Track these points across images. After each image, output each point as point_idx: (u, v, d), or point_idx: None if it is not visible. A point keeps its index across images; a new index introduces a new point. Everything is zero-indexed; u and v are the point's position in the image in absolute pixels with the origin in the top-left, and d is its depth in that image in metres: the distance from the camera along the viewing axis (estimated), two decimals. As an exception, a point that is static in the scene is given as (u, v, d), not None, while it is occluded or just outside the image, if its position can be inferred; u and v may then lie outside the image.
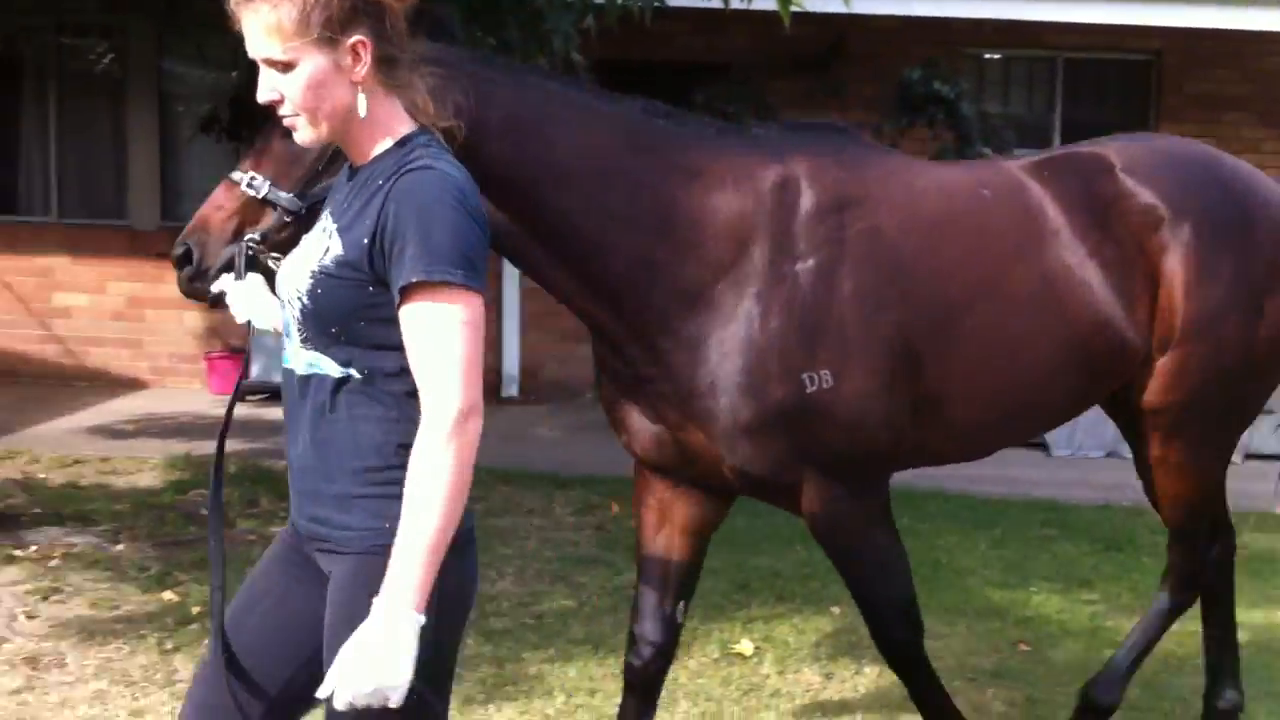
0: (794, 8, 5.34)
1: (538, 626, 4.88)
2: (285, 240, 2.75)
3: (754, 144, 3.15)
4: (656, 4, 5.70)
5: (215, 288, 2.77)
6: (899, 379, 3.09)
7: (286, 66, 2.07)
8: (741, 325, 2.99)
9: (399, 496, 2.05)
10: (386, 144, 2.16)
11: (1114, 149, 3.50)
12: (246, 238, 2.80)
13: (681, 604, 3.42)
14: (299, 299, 2.17)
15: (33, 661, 4.36)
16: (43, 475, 6.79)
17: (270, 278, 2.64)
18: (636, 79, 8.69)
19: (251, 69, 2.19)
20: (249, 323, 2.66)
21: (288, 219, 2.82)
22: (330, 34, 2.05)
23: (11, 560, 5.24)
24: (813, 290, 3.02)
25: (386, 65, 2.13)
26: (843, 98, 9.77)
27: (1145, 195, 3.38)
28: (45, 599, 4.94)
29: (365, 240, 2.08)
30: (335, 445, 2.16)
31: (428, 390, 2.02)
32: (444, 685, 2.18)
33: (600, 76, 7.97)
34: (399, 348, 2.09)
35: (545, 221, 2.93)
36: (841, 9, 5.92)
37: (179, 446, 7.45)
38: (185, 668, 4.30)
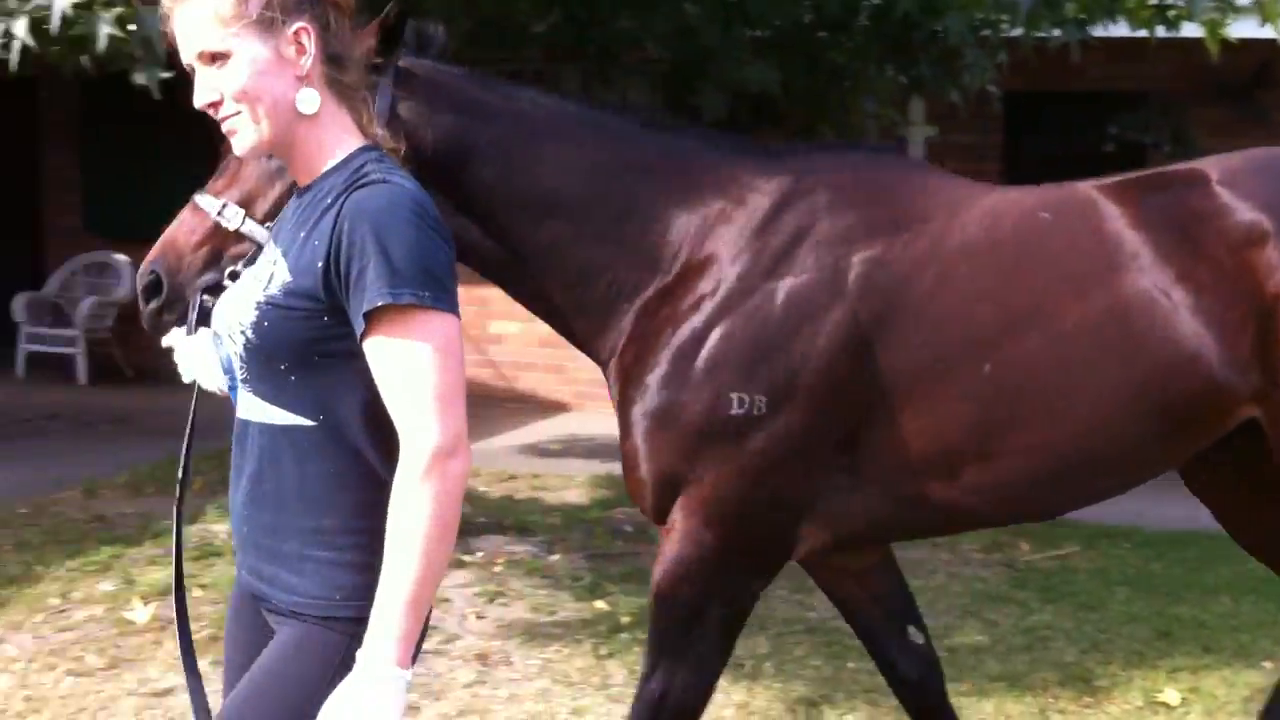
0: (1222, 35, 5.16)
1: (951, 660, 4.88)
2: None
3: (767, 160, 2.94)
4: (1079, 37, 5.63)
5: (165, 341, 2.45)
6: (848, 437, 2.77)
7: (224, 58, 1.89)
8: (686, 327, 2.76)
9: (354, 564, 1.92)
10: (337, 158, 1.97)
11: (1211, 162, 3.04)
12: (201, 285, 2.53)
13: (910, 628, 3.20)
14: (242, 333, 1.96)
15: (483, 658, 4.80)
16: (483, 489, 7.38)
17: None
18: (1050, 110, 8.54)
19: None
20: (194, 382, 2.35)
21: None
22: (270, 14, 1.89)
23: (461, 565, 5.73)
24: (781, 312, 2.75)
25: (334, 64, 1.97)
26: (1267, 125, 9.22)
27: (1246, 210, 2.85)
28: (491, 601, 5.40)
29: (319, 264, 1.88)
30: (283, 500, 1.97)
31: (402, 428, 1.84)
32: None
33: (1012, 108, 7.97)
34: (357, 389, 1.91)
35: (528, 246, 2.85)
36: (1271, 34, 5.65)
37: (601, 467, 7.94)
38: (618, 673, 4.63)
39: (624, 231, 2.86)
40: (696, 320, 2.78)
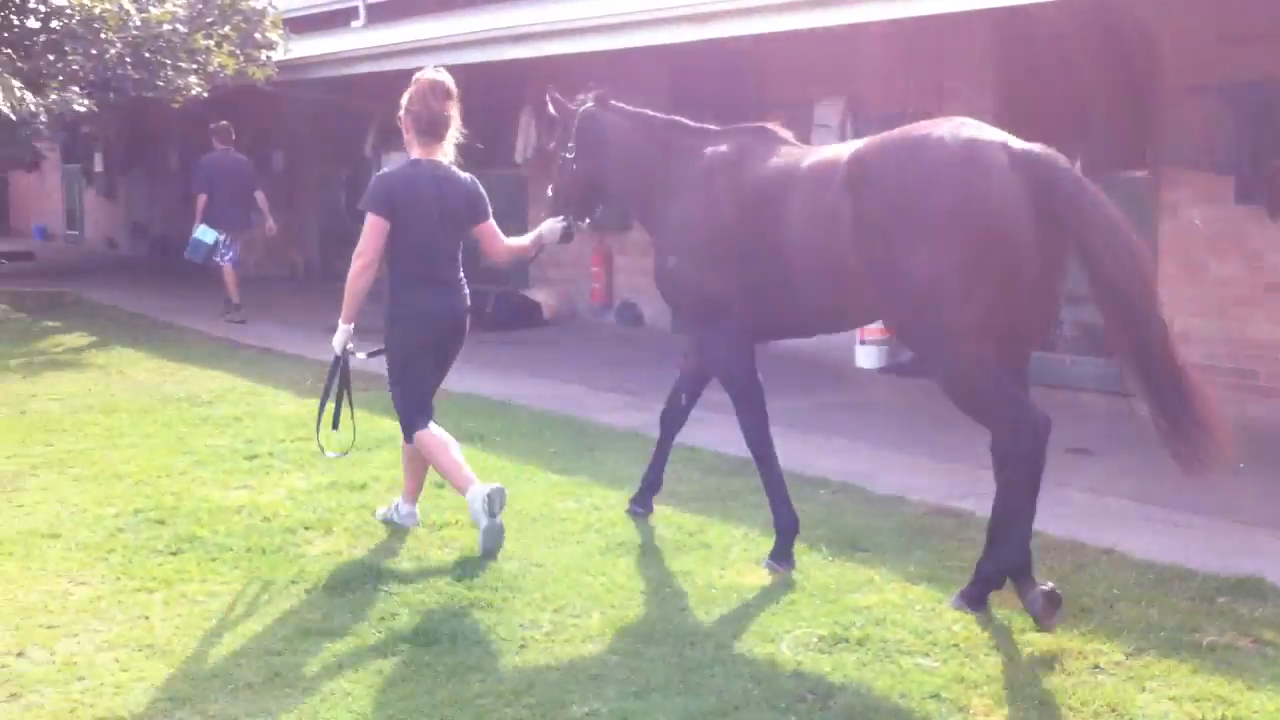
0: None
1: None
2: None
3: (714, 137, 5.67)
4: None
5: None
6: (718, 268, 5.41)
7: None
8: (661, 220, 5.77)
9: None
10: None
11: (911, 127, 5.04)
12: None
13: (683, 396, 6.09)
14: None
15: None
16: None
17: None
18: None
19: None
20: None
21: None
22: None
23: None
24: (688, 211, 5.54)
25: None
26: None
27: (848, 165, 4.89)
28: None
29: None
30: None
31: None
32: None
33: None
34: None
35: (613, 188, 6.23)
36: None
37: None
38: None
39: (654, 165, 5.87)
40: (669, 215, 5.71)
